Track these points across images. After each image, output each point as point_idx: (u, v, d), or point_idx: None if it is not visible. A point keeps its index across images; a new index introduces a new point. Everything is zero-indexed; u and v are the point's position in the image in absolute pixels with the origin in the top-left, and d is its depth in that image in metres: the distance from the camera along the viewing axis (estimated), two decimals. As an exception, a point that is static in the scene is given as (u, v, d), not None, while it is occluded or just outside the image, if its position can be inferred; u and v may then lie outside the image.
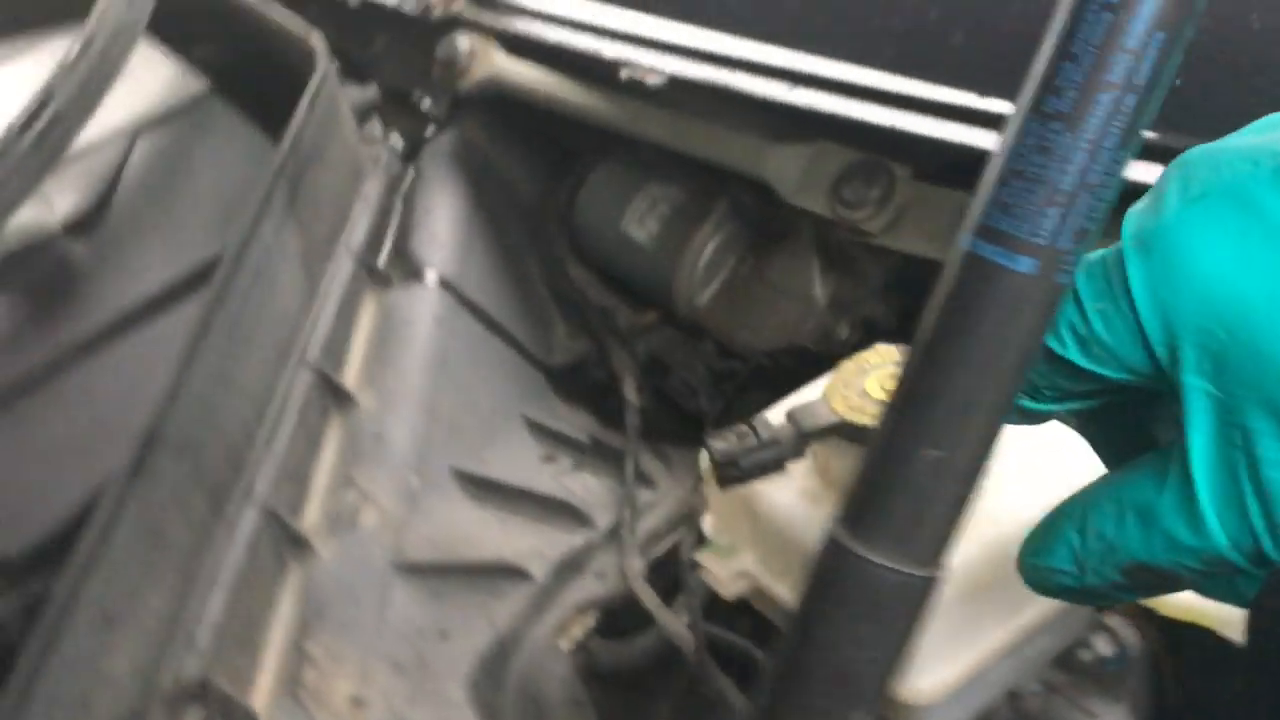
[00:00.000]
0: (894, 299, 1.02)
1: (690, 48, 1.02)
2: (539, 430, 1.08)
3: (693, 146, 1.03)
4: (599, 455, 1.04)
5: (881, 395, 0.70)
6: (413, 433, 0.98)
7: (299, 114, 1.00)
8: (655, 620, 0.89)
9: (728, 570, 0.76)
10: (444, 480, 0.98)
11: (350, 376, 1.01)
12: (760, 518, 0.74)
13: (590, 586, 0.92)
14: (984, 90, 0.84)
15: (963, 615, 0.67)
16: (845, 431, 0.69)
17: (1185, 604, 0.70)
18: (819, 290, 1.03)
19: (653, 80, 1.02)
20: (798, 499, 0.73)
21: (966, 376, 0.44)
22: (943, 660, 0.67)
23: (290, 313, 0.98)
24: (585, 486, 1.01)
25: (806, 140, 0.96)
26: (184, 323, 0.86)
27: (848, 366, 0.73)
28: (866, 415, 0.69)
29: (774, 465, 0.70)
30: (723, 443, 0.69)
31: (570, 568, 0.93)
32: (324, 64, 1.05)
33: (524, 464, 1.03)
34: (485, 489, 0.98)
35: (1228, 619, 0.68)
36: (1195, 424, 0.42)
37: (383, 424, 0.98)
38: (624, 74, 1.04)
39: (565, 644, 0.89)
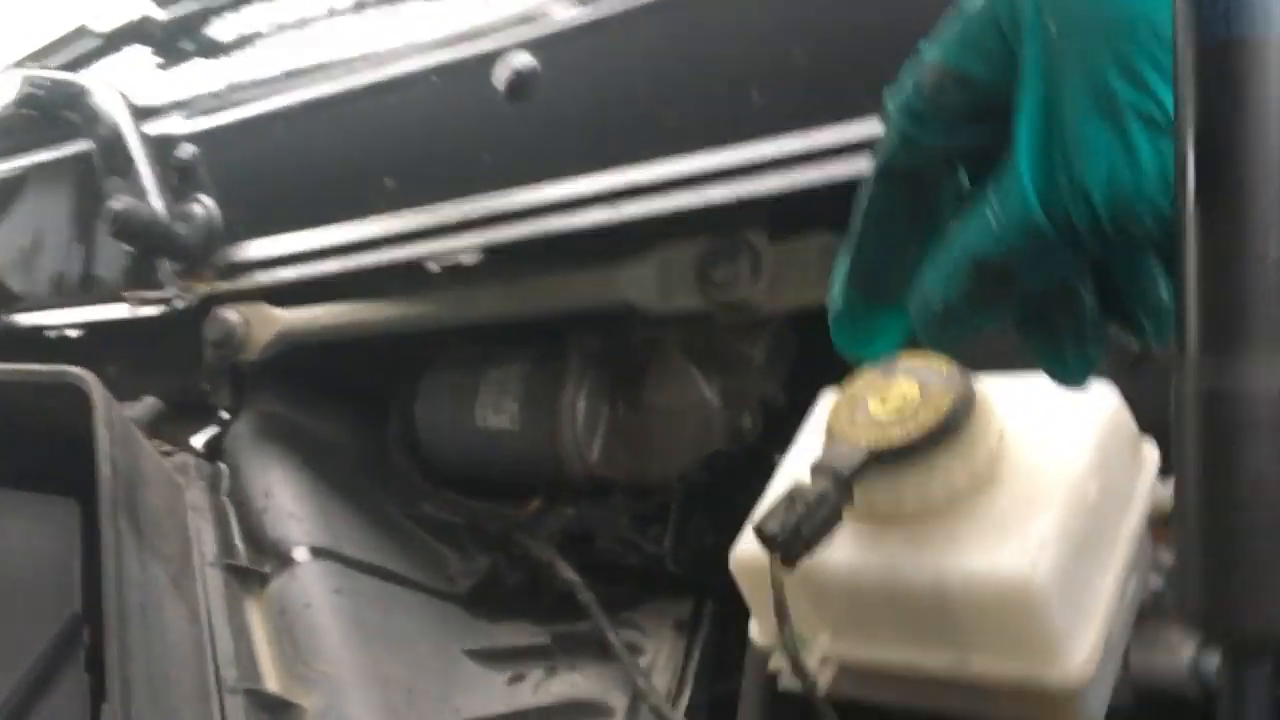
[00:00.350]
0: (777, 371, 1.01)
1: (484, 217, 0.99)
2: (490, 657, 0.97)
3: (536, 305, 1.00)
4: (568, 651, 0.95)
5: (887, 414, 0.68)
6: (376, 712, 0.86)
7: (101, 442, 0.89)
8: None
9: (810, 662, 0.70)
10: (431, 745, 0.86)
11: (276, 684, 0.87)
12: (825, 586, 0.69)
13: (648, 773, 0.82)
14: (803, 125, 0.86)
15: (1073, 579, 0.65)
16: (883, 459, 0.66)
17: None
18: (709, 394, 1.01)
19: (468, 259, 0.98)
20: (857, 550, 0.68)
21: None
22: (1077, 632, 0.64)
23: (187, 647, 0.85)
24: (574, 683, 0.91)
25: (648, 249, 0.95)
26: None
27: (838, 404, 0.71)
28: (892, 436, 0.66)
29: (834, 520, 0.65)
30: (772, 521, 0.64)
31: (616, 763, 0.83)
32: (99, 390, 0.95)
33: (499, 694, 0.92)
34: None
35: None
36: (1027, 88, 0.43)
37: (341, 717, 0.84)
38: (433, 266, 1.00)
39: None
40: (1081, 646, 0.63)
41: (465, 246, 0.98)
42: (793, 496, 0.65)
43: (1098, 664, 0.64)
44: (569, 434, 1.04)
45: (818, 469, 0.67)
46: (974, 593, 0.63)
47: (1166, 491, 0.72)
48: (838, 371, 0.83)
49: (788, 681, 0.72)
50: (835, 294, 0.55)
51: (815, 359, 0.99)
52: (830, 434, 0.70)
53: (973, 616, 0.64)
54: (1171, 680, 0.79)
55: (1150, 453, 0.73)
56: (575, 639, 0.94)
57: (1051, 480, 0.66)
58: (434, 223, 1.01)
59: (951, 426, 0.66)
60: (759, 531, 0.64)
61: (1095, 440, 0.68)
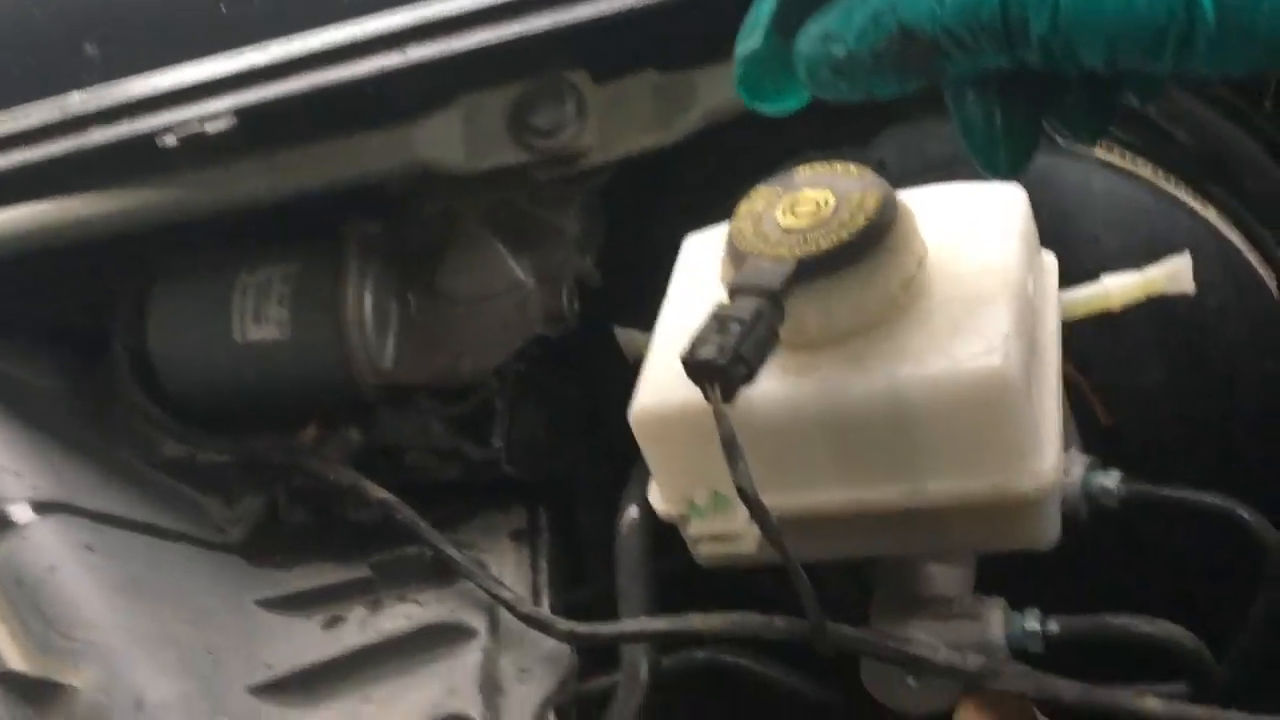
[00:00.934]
0: (592, 243, 0.90)
1: (233, 75, 0.81)
2: (291, 604, 0.80)
3: (307, 179, 0.83)
4: (394, 581, 0.80)
5: (802, 222, 0.59)
6: (174, 676, 0.67)
7: None
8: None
9: (737, 523, 0.60)
10: (251, 707, 0.68)
11: (25, 664, 0.67)
12: (753, 425, 0.59)
13: (526, 693, 0.69)
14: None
15: (1031, 375, 0.59)
16: (813, 269, 0.57)
17: (1132, 289, 0.68)
18: (521, 273, 0.88)
19: (215, 126, 0.80)
20: (787, 379, 0.59)
21: None
22: (1042, 431, 0.58)
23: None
24: (410, 614, 0.76)
25: (449, 101, 0.81)
26: None
27: (736, 226, 0.61)
28: (819, 244, 0.58)
29: (771, 341, 0.56)
30: (707, 347, 0.54)
31: (492, 688, 0.69)
32: None
33: (316, 642, 0.76)
34: (309, 683, 0.70)
35: (1174, 275, 0.67)
36: None
37: (128, 688, 0.66)
38: (167, 140, 0.81)
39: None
40: (1049, 446, 0.58)
41: (210, 112, 0.80)
42: (720, 319, 0.55)
43: (1062, 467, 0.58)
44: (355, 337, 0.88)
45: (739, 289, 0.57)
46: (937, 398, 0.56)
47: (1066, 300, 0.69)
48: (659, 239, 0.74)
49: (709, 548, 0.62)
50: (753, 32, 0.49)
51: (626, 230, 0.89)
52: (738, 255, 0.60)
53: (934, 428, 0.57)
54: (1064, 502, 0.76)
55: (1051, 261, 0.69)
56: (401, 565, 0.79)
57: (991, 277, 0.59)
58: (167, 87, 0.82)
59: (883, 226, 0.58)
60: (692, 361, 0.53)
61: (1020, 236, 0.63)
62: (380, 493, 0.82)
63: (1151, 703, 0.55)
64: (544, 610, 0.70)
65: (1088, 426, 0.81)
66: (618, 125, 0.80)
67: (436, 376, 0.88)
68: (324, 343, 0.88)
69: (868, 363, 0.58)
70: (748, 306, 0.55)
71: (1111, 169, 0.80)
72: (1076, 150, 0.80)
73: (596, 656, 0.75)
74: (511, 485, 0.89)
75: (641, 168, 0.86)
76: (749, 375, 0.54)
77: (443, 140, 0.80)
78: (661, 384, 0.63)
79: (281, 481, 0.90)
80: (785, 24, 0.48)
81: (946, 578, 0.73)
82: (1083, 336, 0.81)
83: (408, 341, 0.89)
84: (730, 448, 0.54)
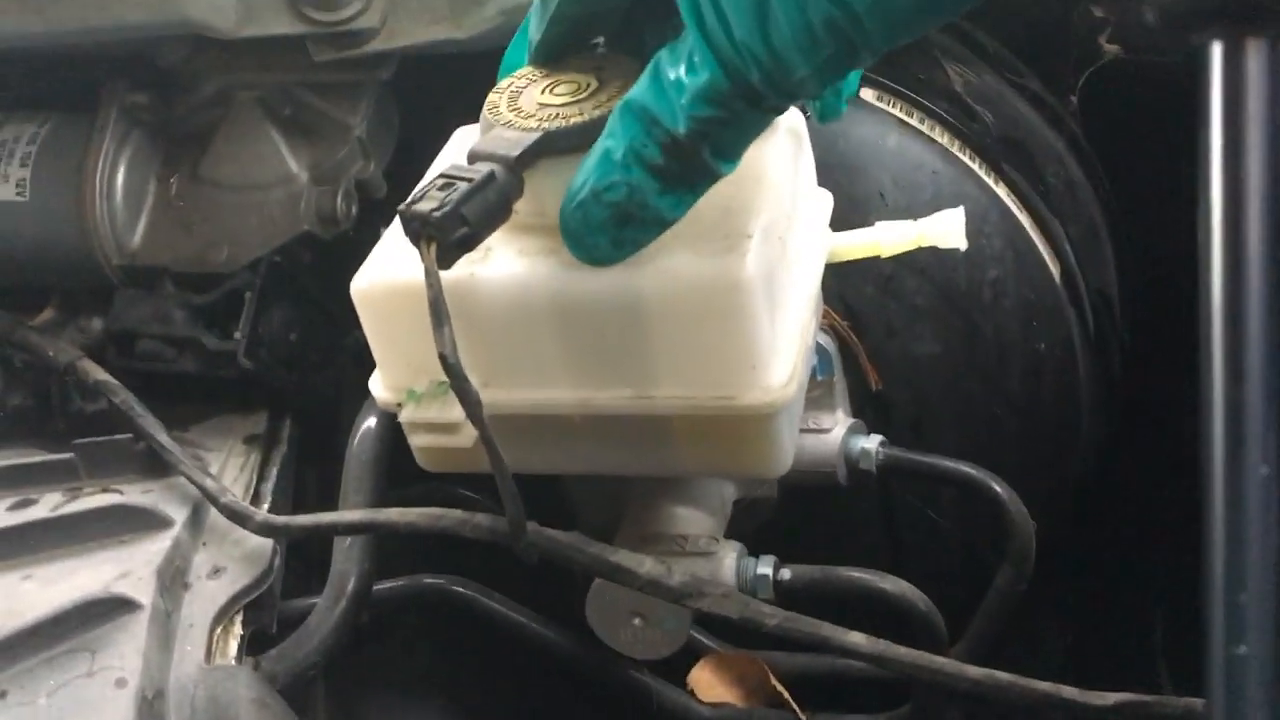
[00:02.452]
0: (380, 147, 0.85)
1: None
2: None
3: (62, 24, 0.75)
4: (97, 467, 0.72)
5: (559, 99, 0.55)
6: None
7: None
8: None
9: (454, 413, 0.55)
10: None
11: None
12: (478, 309, 0.55)
13: (215, 590, 0.63)
14: None
15: (774, 289, 0.56)
16: (558, 142, 0.53)
17: (904, 237, 0.66)
18: (294, 165, 0.82)
19: (-37, -49, 0.72)
20: (520, 262, 0.55)
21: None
22: (777, 348, 0.55)
23: None
24: (109, 498, 0.69)
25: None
26: None
27: (492, 99, 0.57)
28: (569, 116, 0.54)
29: (502, 211, 0.51)
30: (426, 201, 0.49)
31: (175, 578, 0.62)
32: None
33: (-3, 519, 0.68)
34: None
35: (946, 231, 0.65)
36: None
37: None
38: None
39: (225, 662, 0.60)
40: (781, 364, 0.55)
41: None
42: (447, 178, 0.51)
43: (795, 389, 0.55)
44: (101, 209, 0.80)
45: (477, 155, 0.53)
46: (671, 297, 0.52)
47: (837, 241, 0.66)
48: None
49: (424, 439, 0.57)
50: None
51: (423, 130, 0.84)
52: (486, 125, 0.56)
53: (666, 328, 0.53)
54: (822, 459, 0.74)
55: (826, 198, 0.67)
56: (107, 451, 0.72)
57: (748, 185, 0.56)
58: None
59: (642, 108, 0.55)
60: (407, 214, 0.49)
61: (788, 155, 0.60)
62: (100, 374, 0.75)
63: (855, 637, 0.52)
64: (245, 504, 0.64)
65: (859, 390, 0.80)
66: (407, 12, 0.75)
67: (187, 262, 0.81)
68: (65, 210, 0.80)
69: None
70: (480, 170, 0.51)
71: (909, 130, 0.78)
72: (877, 106, 0.79)
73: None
74: (262, 393, 0.82)
75: (437, 75, 0.82)
76: (469, 238, 0.50)
77: (214, 1, 0.74)
78: (390, 260, 0.58)
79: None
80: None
81: (692, 519, 0.70)
82: (861, 299, 0.79)
83: (161, 222, 0.82)
84: (436, 310, 0.49)
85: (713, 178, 0.48)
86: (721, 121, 0.46)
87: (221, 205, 0.82)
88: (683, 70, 0.46)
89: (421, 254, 0.49)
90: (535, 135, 0.53)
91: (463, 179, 0.50)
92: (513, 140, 0.53)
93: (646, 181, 0.48)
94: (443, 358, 0.49)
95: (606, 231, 0.49)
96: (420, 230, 0.49)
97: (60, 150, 0.81)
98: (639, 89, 0.47)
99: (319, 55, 0.76)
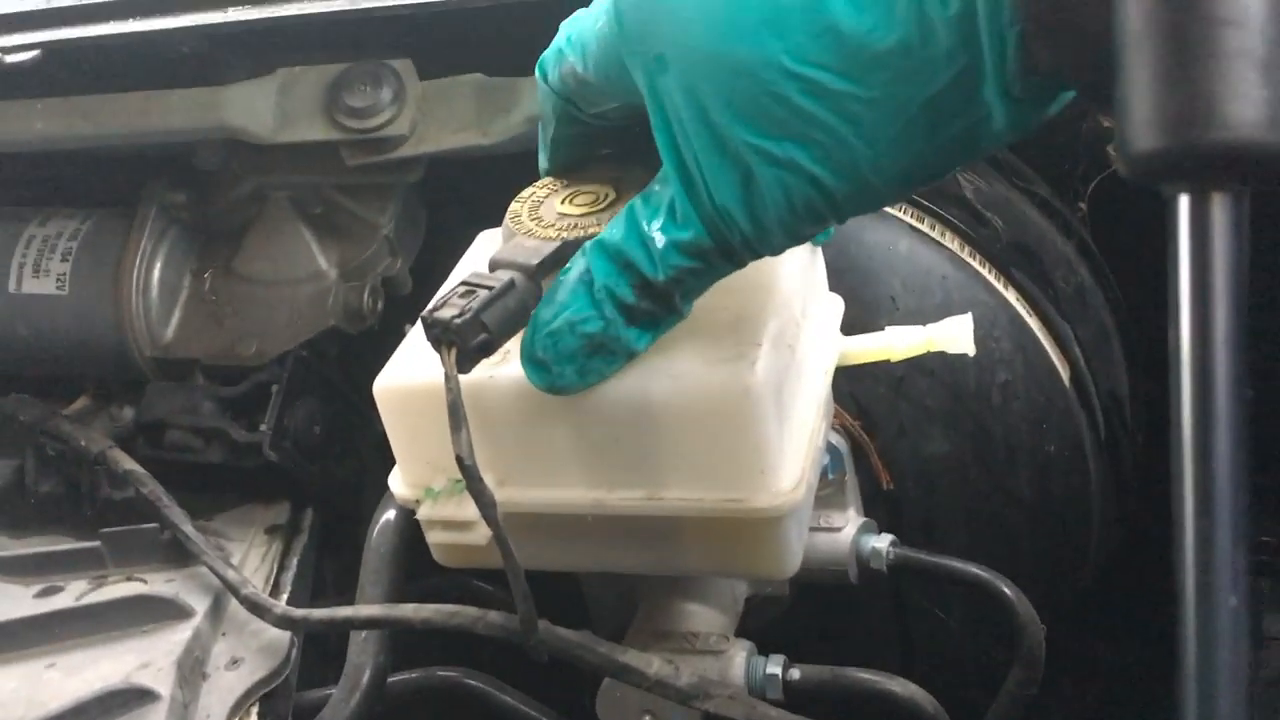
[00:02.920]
0: (406, 246, 0.88)
1: (43, 10, 0.78)
2: (13, 567, 0.74)
3: (109, 126, 0.79)
4: (123, 556, 0.74)
5: (578, 210, 0.58)
6: None
7: None
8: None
9: (471, 512, 0.57)
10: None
11: None
12: (495, 411, 0.57)
13: (232, 681, 0.64)
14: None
15: (783, 395, 0.57)
16: (571, 251, 0.55)
17: (914, 342, 0.67)
18: (324, 263, 0.85)
19: (16, 58, 0.76)
20: (537, 366, 0.57)
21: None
22: (786, 452, 0.57)
23: None
24: (133, 590, 0.71)
25: (266, 71, 0.78)
26: None
27: (515, 210, 0.59)
28: (584, 229, 0.56)
29: (521, 317, 0.53)
30: (447, 308, 0.52)
31: (194, 669, 0.64)
32: None
33: (26, 606, 0.70)
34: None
35: (955, 336, 0.67)
36: (655, 122, 0.47)
37: None
38: (-35, 66, 0.77)
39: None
40: (790, 468, 0.56)
41: (15, 44, 0.76)
42: (469, 285, 0.53)
43: (804, 493, 0.56)
44: (136, 304, 0.84)
45: (498, 264, 0.55)
46: (683, 402, 0.54)
47: (848, 344, 0.68)
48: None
49: (440, 536, 0.59)
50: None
51: (449, 228, 0.87)
52: (508, 235, 0.58)
53: (677, 431, 0.55)
54: (834, 558, 0.75)
55: (837, 302, 0.69)
56: (132, 540, 0.73)
57: (759, 294, 0.58)
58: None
59: (657, 221, 0.57)
60: (429, 320, 0.51)
61: (798, 263, 0.62)
62: (129, 463, 0.77)
63: (861, 742, 0.53)
64: (264, 595, 0.66)
65: (870, 489, 0.81)
66: (436, 120, 0.78)
67: (217, 355, 0.83)
68: (102, 305, 0.83)
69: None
70: (500, 277, 0.53)
71: (919, 235, 0.80)
72: (888, 213, 0.81)
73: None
74: (284, 483, 0.84)
75: (466, 177, 0.85)
76: (488, 344, 0.52)
77: (253, 107, 0.78)
78: (411, 362, 0.60)
79: (32, 447, 0.84)
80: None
81: (703, 616, 0.71)
82: (873, 399, 0.80)
83: (194, 316, 0.85)
84: (454, 413, 0.51)
85: (678, 317, 0.52)
86: (697, 273, 0.49)
87: (253, 300, 0.85)
88: (661, 223, 0.49)
89: (442, 358, 0.51)
90: (554, 245, 0.55)
91: (483, 286, 0.53)
92: (532, 249, 0.55)
93: (618, 318, 0.50)
94: (459, 460, 0.51)
95: (575, 360, 0.51)
96: (441, 336, 0.51)
97: (100, 246, 0.85)
98: (615, 233, 0.50)
99: (351, 160, 0.79)
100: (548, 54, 0.54)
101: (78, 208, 0.87)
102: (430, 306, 0.51)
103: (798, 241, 0.48)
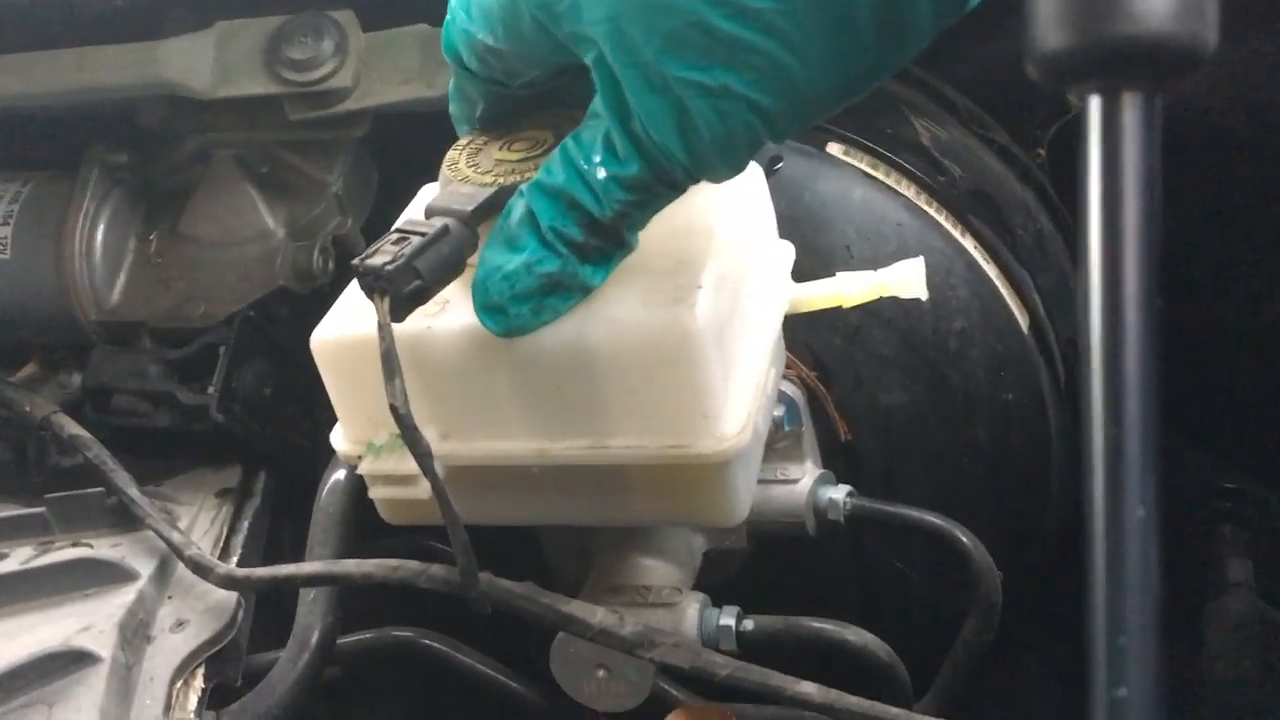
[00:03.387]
0: (356, 203, 0.86)
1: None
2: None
3: (43, 85, 0.77)
4: (69, 521, 0.73)
5: (515, 155, 0.56)
6: None
7: None
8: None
9: (413, 465, 0.56)
10: None
11: None
12: (435, 362, 0.55)
13: (177, 643, 0.63)
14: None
15: (726, 338, 0.56)
16: (506, 196, 0.54)
17: (865, 287, 0.66)
18: (271, 222, 0.84)
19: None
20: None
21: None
22: (730, 396, 0.56)
23: None
24: (78, 552, 0.69)
25: (202, 26, 0.77)
26: None
27: (451, 157, 0.58)
28: (520, 173, 0.55)
29: (456, 264, 0.52)
30: (379, 255, 0.50)
31: (137, 631, 0.63)
32: None
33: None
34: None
35: (905, 280, 0.66)
36: (593, 64, 0.47)
37: None
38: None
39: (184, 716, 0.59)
40: (735, 413, 0.55)
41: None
42: (401, 232, 0.52)
43: (749, 438, 0.56)
44: (80, 267, 0.82)
45: (433, 211, 0.54)
46: (623, 347, 0.53)
47: (799, 291, 0.67)
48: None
49: (383, 491, 0.58)
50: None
51: (402, 185, 0.85)
52: (444, 182, 0.57)
53: (618, 378, 0.54)
54: (790, 509, 0.74)
55: (787, 249, 0.68)
56: (80, 505, 0.72)
57: (701, 237, 0.57)
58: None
59: (596, 164, 0.56)
60: (362, 268, 0.50)
61: (742, 206, 0.61)
62: (74, 428, 0.76)
63: (807, 687, 0.52)
64: (208, 556, 0.64)
65: (827, 440, 0.80)
66: (380, 72, 0.77)
67: (163, 317, 0.82)
68: (45, 268, 0.82)
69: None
70: (434, 223, 0.52)
71: (875, 183, 0.79)
72: (842, 160, 0.80)
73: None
74: (235, 447, 0.83)
75: (415, 131, 0.83)
76: (422, 291, 0.50)
77: (191, 62, 0.76)
78: (349, 314, 0.59)
79: (-22, 415, 0.82)
80: None
81: (659, 570, 0.70)
82: (828, 349, 0.80)
83: (139, 278, 0.84)
84: (388, 362, 0.50)
85: (628, 249, 0.51)
86: (642, 203, 0.49)
87: (199, 261, 0.83)
88: (600, 158, 0.48)
89: (375, 307, 0.50)
90: (489, 190, 0.54)
91: (416, 233, 0.51)
92: (468, 195, 0.54)
93: (571, 256, 0.50)
94: (394, 409, 0.50)
95: (531, 300, 0.51)
96: (373, 283, 0.50)
97: (42, 209, 0.83)
98: (554, 174, 0.49)
99: (294, 114, 0.78)
100: (452, 34, 0.54)
101: (16, 170, 0.86)
102: (363, 255, 0.50)
103: (738, 166, 0.48)
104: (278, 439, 0.83)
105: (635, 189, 0.48)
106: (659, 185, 0.48)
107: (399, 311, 0.50)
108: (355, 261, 0.50)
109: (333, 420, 0.90)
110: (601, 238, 0.50)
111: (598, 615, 0.56)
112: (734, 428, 0.55)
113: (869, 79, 0.45)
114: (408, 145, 0.87)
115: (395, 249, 0.50)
